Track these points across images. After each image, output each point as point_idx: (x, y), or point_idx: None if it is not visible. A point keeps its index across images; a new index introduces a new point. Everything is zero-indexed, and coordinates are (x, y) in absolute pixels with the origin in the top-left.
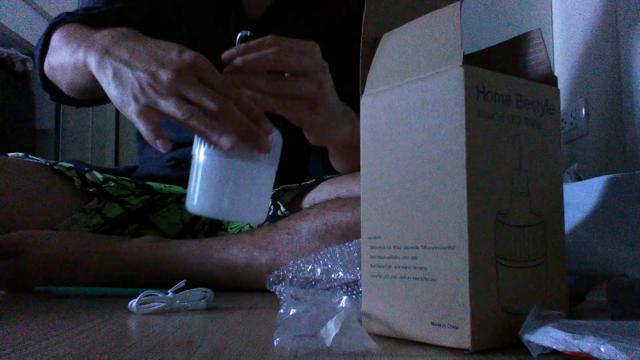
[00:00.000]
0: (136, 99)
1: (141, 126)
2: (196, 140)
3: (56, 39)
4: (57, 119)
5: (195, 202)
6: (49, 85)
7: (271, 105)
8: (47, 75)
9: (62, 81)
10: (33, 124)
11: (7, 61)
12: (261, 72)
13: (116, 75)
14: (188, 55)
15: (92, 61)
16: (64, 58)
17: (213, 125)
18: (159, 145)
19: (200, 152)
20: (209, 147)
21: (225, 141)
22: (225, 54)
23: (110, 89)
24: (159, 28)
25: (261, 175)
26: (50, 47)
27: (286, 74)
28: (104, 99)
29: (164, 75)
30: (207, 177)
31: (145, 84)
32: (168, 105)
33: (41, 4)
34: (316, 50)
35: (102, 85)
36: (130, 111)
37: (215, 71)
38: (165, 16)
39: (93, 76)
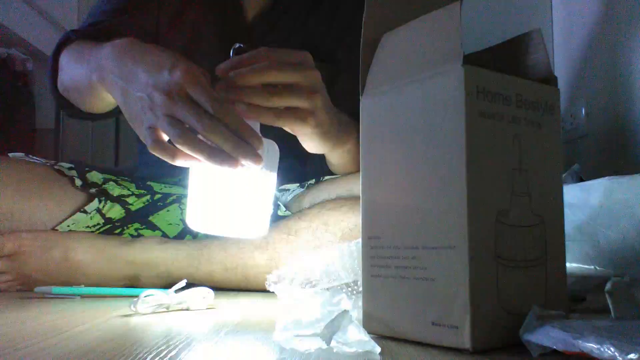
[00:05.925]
0: (142, 121)
1: (153, 148)
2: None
3: (65, 60)
4: (57, 119)
5: (193, 218)
6: (63, 103)
7: (265, 118)
8: (63, 94)
9: (81, 102)
10: (33, 124)
11: (7, 61)
12: (254, 85)
13: (125, 97)
14: (178, 73)
15: (105, 84)
16: (78, 81)
17: (203, 147)
18: (171, 161)
19: (194, 167)
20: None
21: (215, 159)
22: (219, 68)
23: (124, 110)
24: (162, 35)
25: (256, 188)
26: (60, 67)
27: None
28: (118, 110)
29: (157, 97)
30: (202, 193)
31: (146, 106)
32: (163, 126)
33: (41, 4)
34: (309, 60)
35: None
36: (140, 133)
37: (204, 88)
38: (168, 24)
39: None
